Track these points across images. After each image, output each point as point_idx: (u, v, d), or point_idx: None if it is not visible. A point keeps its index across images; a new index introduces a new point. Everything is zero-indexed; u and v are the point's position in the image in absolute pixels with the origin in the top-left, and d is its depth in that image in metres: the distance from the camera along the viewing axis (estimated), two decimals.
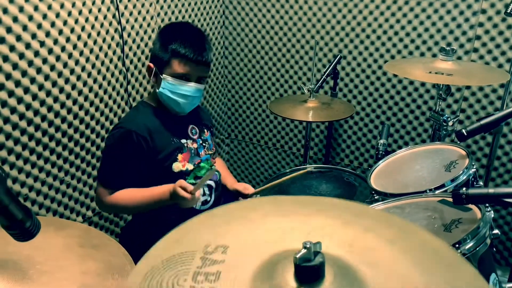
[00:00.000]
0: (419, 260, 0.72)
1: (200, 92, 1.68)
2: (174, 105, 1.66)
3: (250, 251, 0.70)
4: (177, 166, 1.68)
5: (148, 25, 2.24)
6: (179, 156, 1.68)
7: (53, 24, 1.76)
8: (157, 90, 1.66)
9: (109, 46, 2.04)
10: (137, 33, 2.18)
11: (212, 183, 1.81)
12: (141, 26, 2.20)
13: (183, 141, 1.72)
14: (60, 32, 1.80)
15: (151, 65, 1.66)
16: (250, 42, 2.78)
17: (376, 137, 2.63)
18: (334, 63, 2.34)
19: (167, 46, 1.61)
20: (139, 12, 2.18)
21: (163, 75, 1.63)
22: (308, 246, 0.70)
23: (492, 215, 1.10)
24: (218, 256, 0.68)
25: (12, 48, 1.63)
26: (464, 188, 1.04)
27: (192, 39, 1.63)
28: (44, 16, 1.73)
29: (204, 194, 1.78)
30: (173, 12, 2.40)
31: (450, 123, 1.93)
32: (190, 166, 1.71)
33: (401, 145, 2.58)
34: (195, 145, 1.75)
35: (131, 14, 2.13)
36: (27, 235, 0.70)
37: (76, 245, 1.06)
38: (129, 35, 2.14)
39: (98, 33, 1.97)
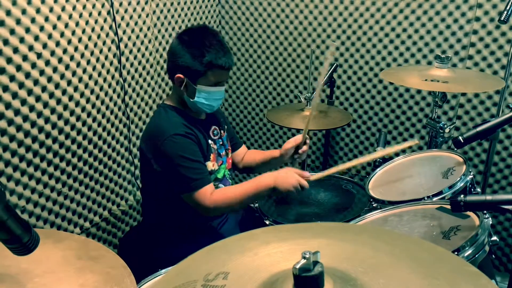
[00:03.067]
0: (419, 266, 0.72)
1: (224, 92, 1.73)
2: (207, 109, 1.69)
3: (250, 274, 0.70)
4: (209, 166, 1.70)
5: (145, 35, 2.25)
6: (211, 156, 1.72)
7: (50, 36, 1.77)
8: (191, 100, 1.65)
9: (106, 57, 2.04)
10: (134, 44, 2.19)
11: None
12: (138, 37, 2.21)
13: (210, 141, 1.75)
14: (57, 44, 1.80)
15: (181, 76, 1.64)
16: (246, 51, 2.80)
17: (373, 145, 2.64)
18: (330, 71, 2.36)
19: (201, 58, 1.60)
20: (136, 23, 2.19)
21: (198, 85, 1.63)
22: (307, 256, 0.70)
23: (490, 222, 1.10)
24: (219, 282, 0.68)
25: (8, 61, 1.63)
26: (462, 196, 1.04)
27: (221, 48, 1.64)
28: (41, 29, 1.73)
29: None
30: (169, 23, 2.41)
31: (447, 130, 1.94)
32: (216, 166, 1.74)
33: (398, 152, 2.58)
34: (215, 146, 1.78)
35: (127, 25, 2.14)
36: (26, 250, 0.70)
37: (74, 258, 1.06)
38: (126, 46, 2.14)
39: (95, 44, 1.98)
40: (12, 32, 1.63)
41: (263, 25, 2.68)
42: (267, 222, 1.88)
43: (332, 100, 2.51)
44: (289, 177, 1.59)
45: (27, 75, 1.70)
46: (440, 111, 2.38)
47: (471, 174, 1.47)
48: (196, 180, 1.60)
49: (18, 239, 0.68)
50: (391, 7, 2.34)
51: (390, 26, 2.37)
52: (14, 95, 1.67)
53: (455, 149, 1.58)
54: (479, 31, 2.19)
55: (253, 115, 2.94)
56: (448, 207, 1.21)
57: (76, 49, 1.88)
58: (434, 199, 1.40)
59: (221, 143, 1.81)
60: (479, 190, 1.48)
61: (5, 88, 1.63)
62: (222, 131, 1.85)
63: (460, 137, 1.49)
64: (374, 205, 1.54)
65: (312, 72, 2.55)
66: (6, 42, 1.61)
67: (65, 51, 1.84)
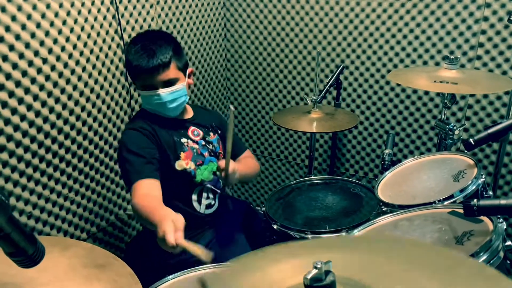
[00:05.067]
0: (434, 272, 0.70)
1: (176, 93, 1.64)
2: (162, 112, 1.68)
3: None
4: (179, 164, 1.68)
5: (149, 26, 2.22)
6: (182, 155, 1.69)
7: (60, 32, 1.76)
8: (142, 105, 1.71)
9: (111, 61, 2.04)
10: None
11: (214, 188, 1.80)
12: (141, 27, 2.19)
13: (184, 140, 1.72)
14: (56, 42, 1.80)
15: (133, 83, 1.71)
16: (252, 54, 2.78)
17: (381, 147, 2.62)
18: (336, 73, 2.34)
19: (127, 59, 1.63)
20: (141, 27, 2.18)
21: (138, 90, 1.68)
22: (318, 266, 0.68)
23: (504, 226, 1.08)
24: None
25: (5, 59, 1.63)
26: (475, 200, 1.02)
27: (141, 48, 1.59)
28: (47, 34, 1.73)
29: (208, 198, 1.78)
30: (174, 26, 2.40)
31: (456, 132, 1.91)
32: (192, 165, 1.71)
33: (406, 154, 2.56)
34: (196, 146, 1.75)
35: (133, 29, 2.13)
36: (31, 262, 0.69)
37: (81, 266, 1.05)
38: (129, 36, 2.13)
39: (101, 49, 1.97)
40: (13, 19, 1.62)
41: (268, 27, 2.67)
42: (275, 227, 1.86)
43: (339, 102, 2.48)
44: (163, 225, 1.25)
45: (32, 81, 1.69)
46: (449, 112, 2.35)
47: (483, 177, 1.44)
48: (132, 173, 1.55)
49: (23, 252, 0.67)
50: (397, 8, 2.31)
51: (396, 27, 2.34)
52: (20, 101, 1.66)
53: (466, 151, 1.55)
54: (488, 31, 2.16)
55: (259, 117, 2.92)
56: (460, 211, 1.19)
57: (81, 53, 1.88)
58: (445, 202, 1.37)
59: (203, 143, 1.78)
60: (491, 193, 1.45)
61: (11, 94, 1.63)
62: (212, 133, 1.82)
63: (471, 139, 1.47)
64: (384, 209, 1.51)
65: (318, 74, 2.53)
66: (11, 48, 1.61)
67: (70, 56, 1.84)
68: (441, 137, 1.96)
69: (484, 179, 1.44)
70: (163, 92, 1.61)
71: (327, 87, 2.31)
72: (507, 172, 2.32)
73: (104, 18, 1.96)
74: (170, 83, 1.62)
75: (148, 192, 1.52)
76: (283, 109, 2.76)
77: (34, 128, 1.72)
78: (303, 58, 2.64)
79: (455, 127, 1.90)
